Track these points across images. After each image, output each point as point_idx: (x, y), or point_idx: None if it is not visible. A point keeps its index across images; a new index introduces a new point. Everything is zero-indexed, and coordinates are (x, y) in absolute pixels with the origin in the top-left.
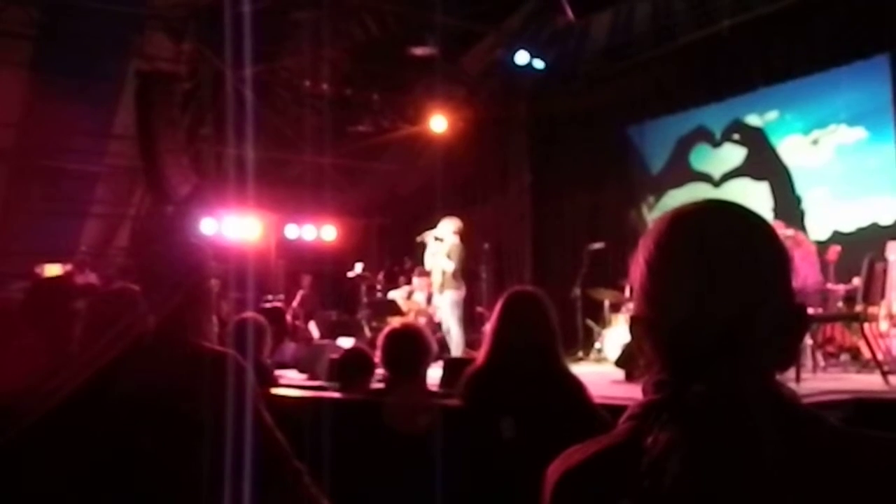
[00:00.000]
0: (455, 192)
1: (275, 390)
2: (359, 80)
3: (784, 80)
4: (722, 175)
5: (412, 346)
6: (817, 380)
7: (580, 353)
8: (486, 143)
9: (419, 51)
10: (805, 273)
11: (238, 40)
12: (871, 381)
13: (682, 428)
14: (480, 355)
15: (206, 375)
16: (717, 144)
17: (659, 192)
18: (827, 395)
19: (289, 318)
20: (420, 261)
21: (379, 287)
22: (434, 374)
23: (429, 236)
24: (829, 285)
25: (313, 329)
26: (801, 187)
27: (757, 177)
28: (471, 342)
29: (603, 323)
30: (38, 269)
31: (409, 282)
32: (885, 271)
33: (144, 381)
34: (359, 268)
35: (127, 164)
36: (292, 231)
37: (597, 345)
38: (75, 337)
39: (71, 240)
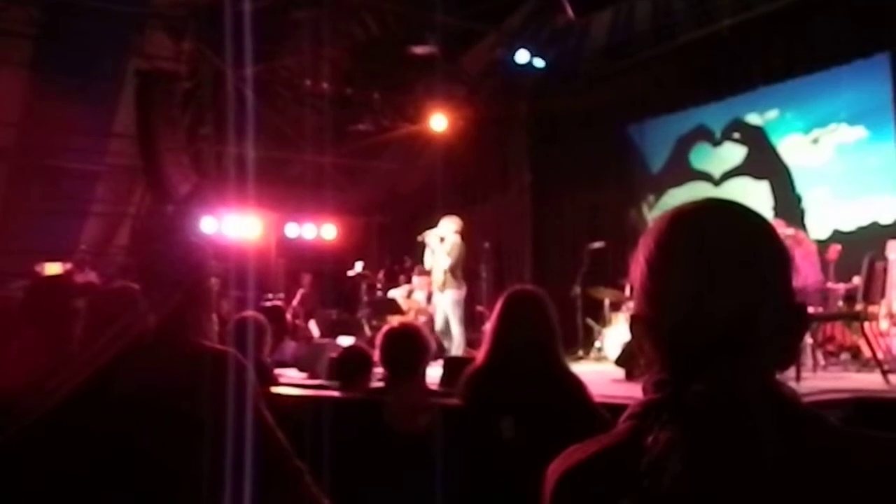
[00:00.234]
0: (455, 192)
1: (275, 389)
2: (359, 79)
3: (784, 79)
4: (722, 174)
5: (411, 345)
6: (817, 379)
7: (580, 352)
8: (486, 143)
9: (419, 50)
10: (806, 272)
11: (238, 39)
12: (871, 381)
13: (681, 427)
14: (480, 354)
15: (207, 374)
16: (717, 143)
17: (659, 191)
18: (827, 395)
19: (289, 316)
20: (420, 260)
21: (379, 286)
22: (434, 373)
23: (430, 235)
24: (830, 284)
25: (313, 328)
26: (801, 186)
27: (757, 176)
28: (471, 341)
29: (603, 322)
30: (38, 268)
31: (409, 281)
32: (885, 270)
33: (144, 379)
34: (359, 267)
35: (127, 163)
36: (292, 230)
37: (597, 344)
38: (75, 336)
39: (71, 239)
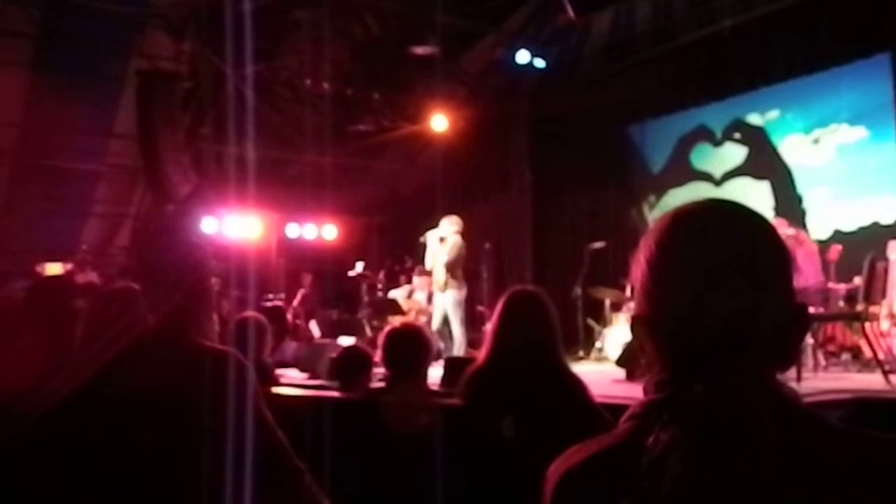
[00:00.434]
0: (455, 192)
1: (276, 389)
2: (359, 79)
3: (785, 80)
4: (723, 174)
5: (413, 345)
6: (818, 379)
7: (581, 353)
8: (486, 143)
9: (420, 50)
10: (808, 272)
11: (239, 39)
12: (872, 381)
13: (682, 428)
14: (481, 355)
15: (207, 374)
16: (717, 143)
17: (660, 191)
18: (828, 395)
19: (290, 317)
20: (421, 260)
21: (380, 286)
22: (435, 373)
23: (430, 235)
24: (831, 284)
25: (314, 328)
26: (802, 186)
27: (758, 176)
28: (472, 341)
29: (604, 322)
30: (38, 268)
31: (409, 281)
32: (886, 270)
33: (145, 379)
34: (359, 267)
35: (127, 164)
36: (293, 230)
37: (598, 344)
38: (76, 336)
39: (72, 239)
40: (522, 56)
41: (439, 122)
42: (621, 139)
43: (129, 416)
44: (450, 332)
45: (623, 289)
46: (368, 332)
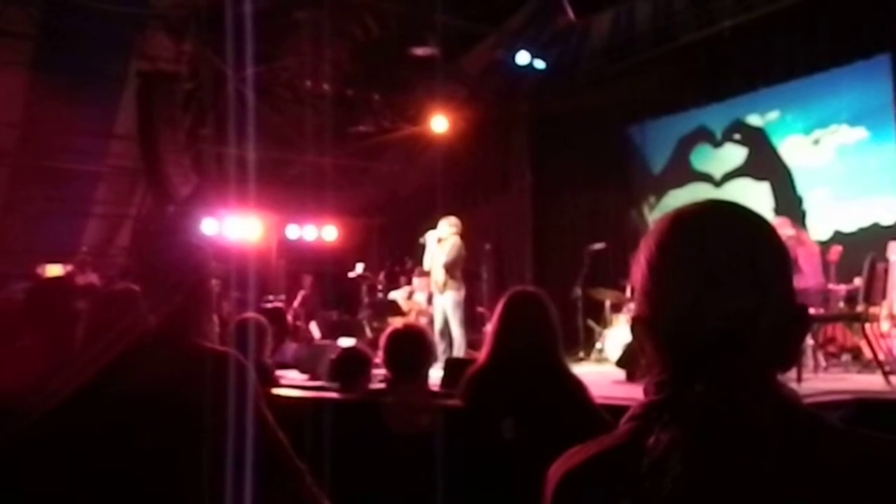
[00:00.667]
0: (455, 192)
1: (276, 390)
2: (360, 80)
3: (785, 80)
4: (723, 175)
5: (414, 346)
6: (818, 380)
7: (581, 354)
8: (486, 143)
9: (420, 51)
10: (808, 273)
11: (239, 40)
12: (872, 382)
13: (682, 428)
14: (481, 356)
15: (208, 375)
16: (717, 144)
17: (660, 191)
18: (828, 396)
19: (290, 318)
20: (420, 261)
21: (380, 287)
22: (435, 374)
23: (430, 236)
24: (831, 285)
25: (314, 329)
26: (802, 187)
27: (758, 177)
28: (472, 342)
29: (604, 323)
30: (39, 270)
31: (409, 282)
32: (886, 271)
33: (145, 380)
34: (360, 268)
35: (128, 165)
36: (293, 231)
37: (598, 345)
38: (76, 337)
39: (72, 240)
40: (522, 57)
41: (439, 123)
42: (621, 140)
43: (130, 417)
44: (450, 333)
45: (623, 290)
46: (368, 333)
